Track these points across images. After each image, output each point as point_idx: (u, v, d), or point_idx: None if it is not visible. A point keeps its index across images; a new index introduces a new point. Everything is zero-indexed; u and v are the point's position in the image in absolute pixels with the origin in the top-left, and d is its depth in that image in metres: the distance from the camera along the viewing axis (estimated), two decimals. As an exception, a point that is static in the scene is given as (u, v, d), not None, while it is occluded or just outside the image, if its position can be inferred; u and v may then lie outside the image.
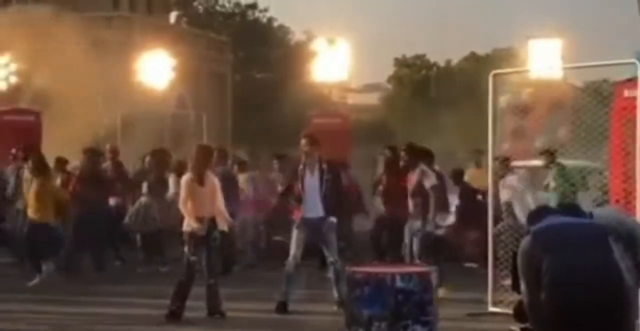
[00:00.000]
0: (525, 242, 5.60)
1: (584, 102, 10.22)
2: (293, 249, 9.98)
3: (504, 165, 11.46)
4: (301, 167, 10.09)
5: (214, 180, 9.57)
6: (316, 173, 9.93)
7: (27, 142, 14.38)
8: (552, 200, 11.54)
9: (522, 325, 6.42)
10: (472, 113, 37.94)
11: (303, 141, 10.03)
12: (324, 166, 9.97)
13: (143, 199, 13.04)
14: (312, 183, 9.93)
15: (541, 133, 12.88)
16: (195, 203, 9.38)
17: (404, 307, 5.70)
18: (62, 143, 16.22)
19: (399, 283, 5.72)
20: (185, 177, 9.58)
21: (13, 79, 19.80)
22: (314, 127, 18.32)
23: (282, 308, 9.78)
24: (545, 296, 5.39)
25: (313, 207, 9.92)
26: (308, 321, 9.48)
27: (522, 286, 5.64)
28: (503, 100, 11.53)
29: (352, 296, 5.87)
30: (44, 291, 11.07)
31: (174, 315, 9.22)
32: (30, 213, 11.69)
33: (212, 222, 9.41)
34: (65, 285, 11.51)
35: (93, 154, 13.31)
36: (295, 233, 10.03)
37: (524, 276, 5.56)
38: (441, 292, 10.11)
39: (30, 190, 11.75)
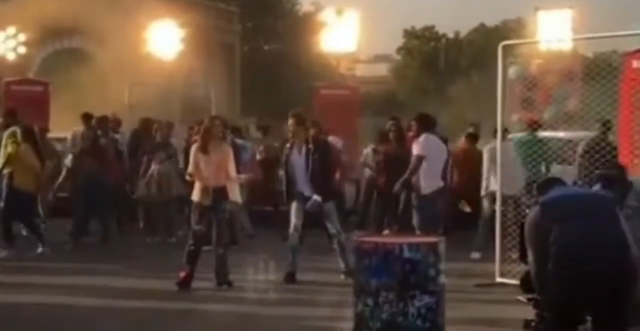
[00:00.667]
0: (533, 212, 5.69)
1: (593, 73, 10.17)
2: (293, 220, 9.93)
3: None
4: (288, 146, 10.06)
5: (223, 150, 9.57)
6: (303, 153, 9.84)
7: (35, 112, 14.38)
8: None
9: (529, 295, 6.48)
10: (481, 85, 37.91)
11: (290, 121, 9.91)
12: (310, 146, 9.83)
13: (155, 169, 12.83)
14: (299, 162, 9.85)
15: (550, 105, 12.84)
16: (200, 172, 9.42)
17: (411, 277, 5.73)
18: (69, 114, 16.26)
19: (406, 253, 5.74)
20: (193, 147, 9.64)
21: (22, 50, 19.75)
22: (322, 99, 18.30)
23: (291, 278, 9.84)
24: (552, 267, 5.43)
25: (303, 185, 9.88)
26: (316, 290, 9.53)
27: (530, 257, 5.68)
28: (512, 71, 11.52)
29: (360, 266, 5.89)
30: (50, 262, 11.14)
31: (184, 284, 9.30)
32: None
33: (222, 192, 9.44)
34: (71, 257, 11.58)
35: (97, 124, 13.37)
36: (293, 205, 9.96)
37: (532, 247, 5.65)
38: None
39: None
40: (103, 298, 8.94)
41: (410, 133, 10.97)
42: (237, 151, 12.57)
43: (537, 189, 6.14)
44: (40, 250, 11.60)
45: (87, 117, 13.78)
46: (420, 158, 10.16)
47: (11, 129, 11.91)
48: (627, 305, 5.43)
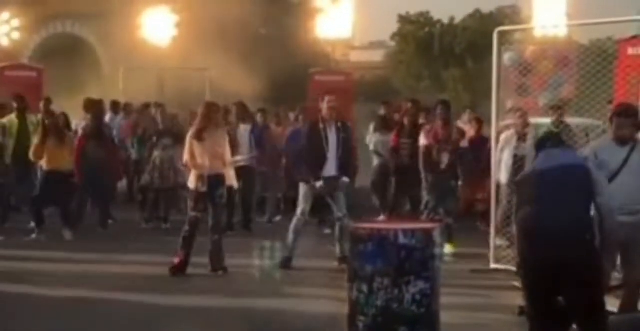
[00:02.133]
0: (525, 175, 5.93)
1: (588, 60, 10.17)
2: (302, 204, 9.97)
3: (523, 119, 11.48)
4: (321, 125, 9.99)
5: (218, 136, 9.55)
6: (334, 131, 9.90)
7: (29, 97, 14.32)
8: None
9: None
10: (476, 71, 37.90)
11: (330, 98, 9.96)
12: (340, 124, 9.95)
13: (157, 157, 12.78)
14: (331, 141, 9.87)
15: (545, 91, 12.83)
16: (194, 159, 9.41)
17: (406, 263, 5.73)
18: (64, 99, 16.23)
19: (402, 240, 5.74)
20: (189, 133, 9.63)
21: (15, 35, 19.69)
22: (317, 85, 18.29)
23: (287, 263, 9.85)
24: (522, 251, 5.66)
25: (331, 165, 9.88)
26: (310, 276, 9.55)
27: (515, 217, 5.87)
28: (507, 57, 11.50)
29: (355, 251, 5.89)
30: (47, 249, 11.14)
31: (178, 270, 9.31)
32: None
33: (218, 178, 9.43)
34: (68, 243, 11.58)
35: (98, 110, 13.34)
36: (305, 189, 9.95)
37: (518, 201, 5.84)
38: (447, 248, 10.28)
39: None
40: (99, 285, 8.95)
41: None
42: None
43: (535, 146, 6.22)
44: (34, 236, 11.61)
45: (89, 103, 13.67)
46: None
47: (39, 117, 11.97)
48: (597, 291, 5.51)
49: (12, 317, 7.65)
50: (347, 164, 10.11)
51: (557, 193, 5.58)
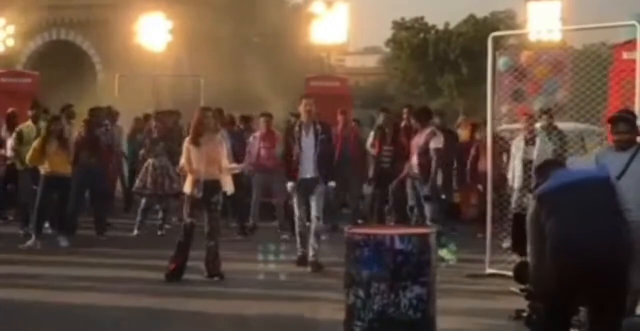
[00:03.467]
0: (532, 206, 5.57)
1: (582, 65, 10.20)
2: (297, 210, 10.29)
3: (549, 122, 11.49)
4: (297, 128, 10.16)
5: (215, 142, 9.52)
6: (311, 133, 10.00)
7: (23, 104, 14.32)
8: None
9: (522, 286, 6.50)
10: (471, 76, 37.96)
11: (307, 101, 10.09)
12: (318, 126, 10.07)
13: (150, 163, 12.77)
14: (307, 143, 10.02)
15: (540, 96, 12.86)
16: (191, 165, 9.40)
17: (403, 268, 5.73)
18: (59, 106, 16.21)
19: (398, 245, 5.74)
20: (186, 139, 9.62)
21: (10, 42, 19.66)
22: (312, 90, 18.28)
23: (303, 261, 10.14)
24: (548, 261, 5.37)
25: (308, 167, 10.05)
26: (307, 282, 9.54)
27: (529, 249, 5.63)
28: (502, 62, 11.52)
29: (351, 257, 5.89)
30: (40, 253, 11.14)
31: (173, 275, 9.29)
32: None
33: (214, 184, 9.41)
34: (63, 249, 11.56)
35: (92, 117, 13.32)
36: (295, 195, 10.25)
37: (531, 240, 5.53)
38: (444, 254, 10.30)
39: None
40: (95, 291, 8.94)
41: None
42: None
43: (535, 173, 6.12)
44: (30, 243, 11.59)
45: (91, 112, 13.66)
46: (440, 151, 10.55)
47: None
48: (624, 291, 5.41)
49: (9, 323, 7.63)
50: (328, 165, 10.23)
51: (578, 200, 5.41)
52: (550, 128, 11.26)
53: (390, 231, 6.04)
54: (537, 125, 11.59)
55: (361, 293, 5.79)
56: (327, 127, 10.37)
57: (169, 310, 8.18)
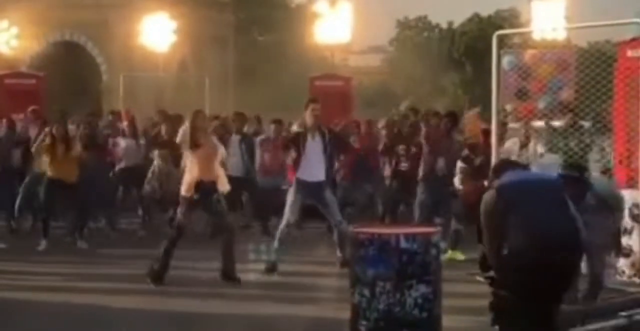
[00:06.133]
0: (489, 196, 5.81)
1: (587, 63, 10.17)
2: (287, 214, 9.93)
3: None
4: (302, 130, 10.04)
5: (210, 144, 9.43)
6: (318, 137, 9.88)
7: (29, 105, 14.34)
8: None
9: (486, 274, 6.57)
10: (474, 75, 37.95)
11: (315, 105, 9.90)
12: (324, 129, 9.94)
13: (155, 166, 12.75)
14: (314, 147, 9.86)
15: (545, 94, 12.83)
16: (188, 167, 9.36)
17: (408, 267, 5.74)
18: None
19: (403, 244, 5.75)
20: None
21: (15, 43, 19.67)
22: (316, 90, 18.29)
23: (272, 268, 9.82)
24: (509, 253, 5.63)
25: (314, 171, 9.85)
26: (313, 282, 9.53)
27: (485, 238, 5.85)
28: (506, 61, 11.50)
29: (356, 256, 5.90)
30: (46, 253, 11.14)
31: (158, 276, 9.16)
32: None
33: (210, 185, 9.35)
34: (69, 248, 11.57)
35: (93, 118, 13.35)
36: (291, 198, 9.96)
37: (487, 229, 5.80)
38: (456, 256, 10.32)
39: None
40: (100, 291, 8.96)
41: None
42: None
43: (492, 172, 6.30)
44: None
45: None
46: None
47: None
48: (573, 284, 6.06)
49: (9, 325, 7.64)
50: (329, 171, 10.07)
51: (536, 197, 5.73)
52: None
53: (395, 230, 6.04)
54: (538, 123, 11.60)
55: (366, 292, 5.79)
56: (333, 131, 10.26)
57: (174, 310, 8.18)
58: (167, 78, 28.81)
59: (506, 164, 6.28)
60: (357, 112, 19.72)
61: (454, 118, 11.69)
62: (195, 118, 9.46)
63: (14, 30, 19.71)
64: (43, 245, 11.44)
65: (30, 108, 13.94)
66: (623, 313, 6.44)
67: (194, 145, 9.30)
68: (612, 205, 6.52)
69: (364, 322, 5.81)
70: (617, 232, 6.43)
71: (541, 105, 12.51)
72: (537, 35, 19.23)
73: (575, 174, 6.73)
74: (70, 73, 29.19)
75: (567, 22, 18.89)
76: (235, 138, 13.03)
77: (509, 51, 12.18)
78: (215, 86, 23.30)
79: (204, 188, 9.26)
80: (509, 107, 12.39)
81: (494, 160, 10.08)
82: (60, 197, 11.70)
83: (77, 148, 11.84)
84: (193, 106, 14.06)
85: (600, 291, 7.47)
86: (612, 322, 6.36)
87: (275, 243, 9.92)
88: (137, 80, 23.64)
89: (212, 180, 9.36)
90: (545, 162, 11.12)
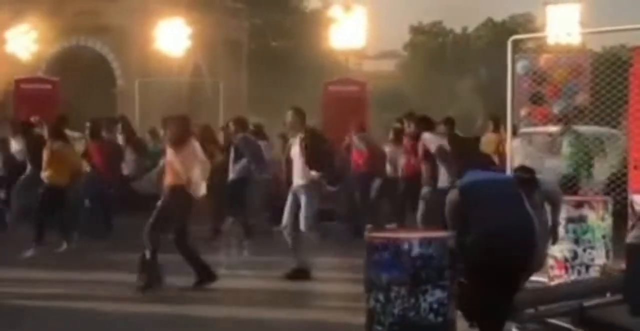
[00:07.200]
0: (453, 195, 6.59)
1: (602, 68, 10.14)
2: (285, 217, 9.96)
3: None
4: (289, 140, 10.27)
5: (190, 149, 9.31)
6: (297, 142, 9.94)
7: (44, 110, 14.43)
8: (565, 166, 11.58)
9: None
10: (488, 80, 37.89)
11: (288, 112, 10.06)
12: (301, 135, 9.92)
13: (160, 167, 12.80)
14: (295, 153, 9.92)
15: (559, 99, 12.82)
16: (168, 171, 9.28)
17: (422, 272, 5.73)
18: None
19: (417, 248, 5.75)
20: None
21: (33, 48, 19.68)
22: (330, 95, 18.29)
23: (301, 274, 9.78)
24: (473, 241, 6.30)
25: (295, 174, 9.92)
26: (327, 288, 9.53)
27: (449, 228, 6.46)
28: (521, 66, 11.50)
29: (371, 261, 5.90)
30: (46, 258, 11.08)
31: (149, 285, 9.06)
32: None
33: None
34: (75, 253, 11.53)
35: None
36: (287, 201, 10.02)
37: (452, 224, 6.50)
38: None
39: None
40: (105, 295, 8.97)
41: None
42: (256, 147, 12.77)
43: (456, 173, 7.17)
44: (65, 246, 11.56)
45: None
46: (443, 149, 10.62)
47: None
48: (527, 277, 6.75)
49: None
50: (317, 169, 9.83)
51: (494, 195, 6.51)
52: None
53: (410, 235, 6.04)
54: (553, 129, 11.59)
55: (381, 297, 5.79)
56: (309, 133, 10.04)
57: (180, 314, 8.18)
58: (181, 83, 28.90)
59: (468, 165, 7.00)
60: (371, 117, 19.70)
61: (427, 123, 11.59)
62: (183, 123, 9.44)
63: (33, 34, 19.72)
64: (63, 247, 11.47)
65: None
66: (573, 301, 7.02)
67: (176, 148, 9.23)
68: (553, 201, 7.25)
69: (378, 327, 5.80)
70: (555, 224, 7.21)
71: (556, 109, 12.49)
72: (551, 40, 19.17)
73: (526, 175, 7.21)
74: (84, 78, 29.28)
75: (582, 27, 18.82)
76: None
77: (524, 56, 12.18)
78: (230, 91, 23.30)
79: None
80: (523, 112, 12.39)
81: (508, 164, 10.07)
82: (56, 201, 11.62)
83: (75, 156, 11.95)
84: (208, 111, 14.11)
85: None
86: (563, 306, 7.00)
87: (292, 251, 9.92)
88: (152, 85, 23.69)
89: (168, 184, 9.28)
90: (547, 166, 11.24)
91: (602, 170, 11.38)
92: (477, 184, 6.56)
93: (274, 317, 8.09)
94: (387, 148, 13.55)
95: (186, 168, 9.16)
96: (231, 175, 12.50)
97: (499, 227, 6.23)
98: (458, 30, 47.39)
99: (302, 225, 9.70)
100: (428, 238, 5.91)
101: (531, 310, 6.88)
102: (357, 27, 19.29)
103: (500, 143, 11.99)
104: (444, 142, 10.71)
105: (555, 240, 7.34)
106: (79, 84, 26.28)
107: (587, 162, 11.30)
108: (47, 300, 8.81)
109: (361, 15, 19.40)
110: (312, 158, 9.77)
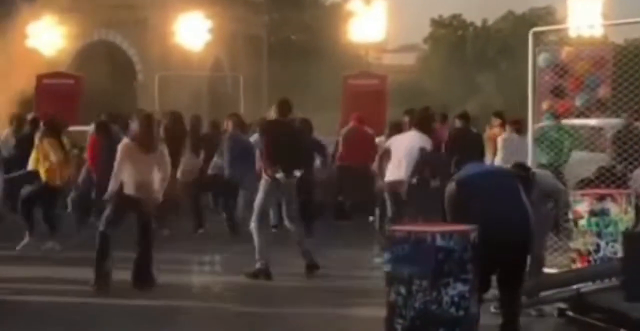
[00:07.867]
0: (451, 188, 6.69)
1: (625, 60, 10.06)
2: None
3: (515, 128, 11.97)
4: None
5: (161, 150, 9.03)
6: None
7: (65, 105, 14.46)
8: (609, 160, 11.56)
9: None
10: (509, 73, 37.71)
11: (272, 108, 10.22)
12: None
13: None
14: None
15: (582, 92, 12.72)
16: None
17: (444, 265, 5.72)
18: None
19: (439, 242, 5.74)
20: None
21: (58, 44, 19.75)
22: (350, 88, 18.27)
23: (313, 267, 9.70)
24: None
25: None
26: (347, 281, 9.53)
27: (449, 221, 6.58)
28: (542, 58, 11.41)
29: (392, 254, 5.89)
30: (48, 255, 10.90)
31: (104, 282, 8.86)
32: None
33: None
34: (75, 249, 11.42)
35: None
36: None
37: (451, 216, 6.64)
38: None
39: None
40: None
41: None
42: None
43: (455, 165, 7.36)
44: (50, 244, 11.24)
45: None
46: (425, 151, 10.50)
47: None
48: (525, 265, 6.80)
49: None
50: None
51: (492, 187, 6.63)
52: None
53: (432, 228, 6.03)
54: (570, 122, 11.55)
55: (402, 290, 5.78)
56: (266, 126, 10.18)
57: (186, 305, 8.22)
58: (201, 77, 28.93)
59: (464, 159, 7.43)
60: (391, 110, 19.67)
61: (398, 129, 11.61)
62: (150, 122, 8.99)
63: (58, 30, 19.75)
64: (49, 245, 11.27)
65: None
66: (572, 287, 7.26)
67: (147, 149, 8.84)
68: (554, 197, 7.50)
69: (400, 321, 5.80)
70: (557, 218, 7.49)
71: (578, 102, 12.39)
72: (573, 33, 19.06)
73: (522, 173, 7.32)
74: (105, 72, 29.41)
75: (604, 18, 18.70)
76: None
77: (545, 48, 12.06)
78: (250, 85, 23.32)
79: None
80: (545, 105, 12.29)
81: (530, 157, 10.01)
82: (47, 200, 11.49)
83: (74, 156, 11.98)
84: (228, 105, 14.13)
85: (542, 267, 8.22)
86: (561, 292, 7.27)
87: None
88: (172, 79, 23.73)
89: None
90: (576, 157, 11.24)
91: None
92: (474, 177, 6.73)
93: (294, 312, 8.11)
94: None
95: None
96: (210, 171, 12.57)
97: (494, 219, 6.32)
98: (478, 23, 47.16)
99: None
100: (450, 232, 5.90)
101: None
102: (376, 20, 19.29)
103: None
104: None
105: (558, 231, 7.62)
106: (100, 79, 26.39)
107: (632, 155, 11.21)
108: (28, 295, 8.70)
109: (381, 9, 19.39)
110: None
